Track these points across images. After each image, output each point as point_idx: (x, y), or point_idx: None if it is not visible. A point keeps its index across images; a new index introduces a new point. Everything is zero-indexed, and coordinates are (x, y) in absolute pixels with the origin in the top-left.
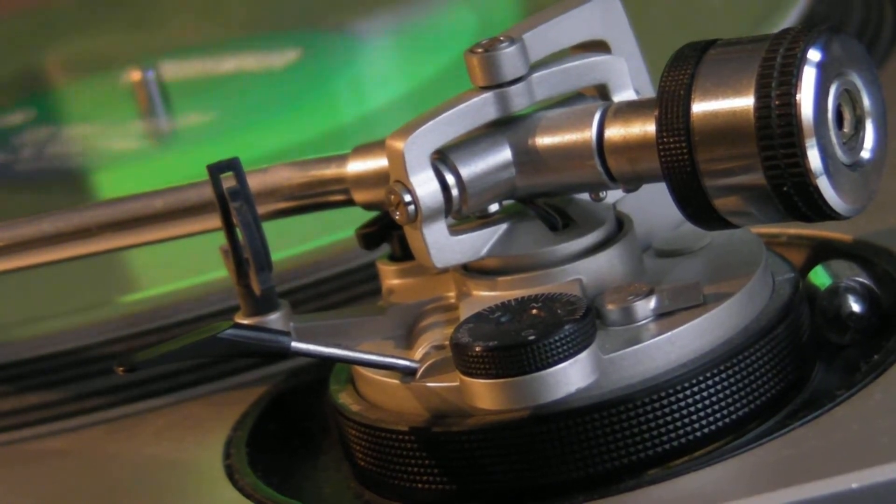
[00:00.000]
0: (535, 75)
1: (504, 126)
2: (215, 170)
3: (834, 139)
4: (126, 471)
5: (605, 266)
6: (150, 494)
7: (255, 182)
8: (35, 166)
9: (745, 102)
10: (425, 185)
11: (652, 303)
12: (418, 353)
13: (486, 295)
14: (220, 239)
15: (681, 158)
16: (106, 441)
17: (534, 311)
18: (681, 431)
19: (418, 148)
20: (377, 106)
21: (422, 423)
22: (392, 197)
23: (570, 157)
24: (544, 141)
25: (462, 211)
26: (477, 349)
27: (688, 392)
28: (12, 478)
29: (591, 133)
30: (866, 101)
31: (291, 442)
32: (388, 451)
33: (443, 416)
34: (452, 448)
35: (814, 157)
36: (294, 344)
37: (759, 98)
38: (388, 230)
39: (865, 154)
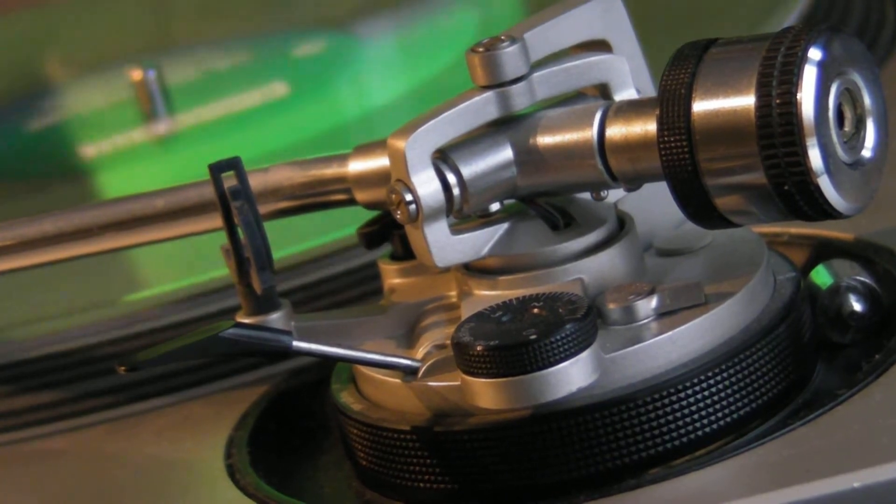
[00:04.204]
0: (536, 74)
1: (505, 125)
2: (216, 169)
3: (835, 138)
4: (127, 471)
5: (606, 265)
6: (151, 494)
7: (256, 181)
8: (35, 166)
9: (745, 101)
10: (426, 185)
11: (653, 302)
12: (420, 352)
13: (487, 294)
14: (221, 238)
15: (682, 157)
16: (106, 441)
17: (535, 311)
18: (682, 431)
19: (419, 147)
20: (378, 105)
21: (423, 423)
22: (393, 196)
23: (572, 156)
24: (545, 140)
25: (463, 210)
26: (478, 348)
27: (689, 391)
28: (12, 478)
29: (592, 132)
30: (867, 100)
31: (292, 441)
32: (389, 451)
33: (444, 415)
34: (454, 447)
35: (815, 157)
36: (295, 343)
37: (759, 97)
38: (390, 229)
39: (866, 153)
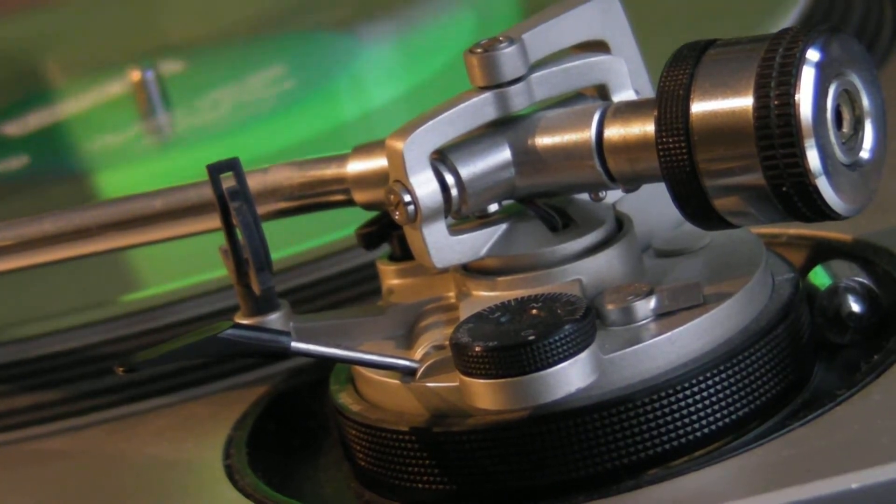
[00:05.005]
0: (535, 75)
1: (503, 126)
2: (215, 170)
3: (833, 139)
4: (126, 471)
5: (604, 266)
6: (150, 494)
7: (254, 182)
8: (35, 166)
9: (744, 102)
10: (425, 186)
11: (652, 303)
12: (418, 353)
13: (485, 295)
14: (220, 239)
15: (680, 158)
16: (106, 441)
17: (534, 311)
18: (681, 431)
19: (418, 148)
20: (377, 106)
21: (422, 424)
22: (392, 197)
23: (570, 157)
24: (544, 141)
25: (462, 211)
26: (477, 349)
27: (688, 392)
28: (12, 478)
29: (590, 133)
30: (865, 101)
31: (292, 442)
32: (388, 451)
33: (443, 416)
34: (452, 448)
35: (813, 158)
36: (294, 344)
37: (758, 98)
38: (388, 230)
39: (865, 154)
